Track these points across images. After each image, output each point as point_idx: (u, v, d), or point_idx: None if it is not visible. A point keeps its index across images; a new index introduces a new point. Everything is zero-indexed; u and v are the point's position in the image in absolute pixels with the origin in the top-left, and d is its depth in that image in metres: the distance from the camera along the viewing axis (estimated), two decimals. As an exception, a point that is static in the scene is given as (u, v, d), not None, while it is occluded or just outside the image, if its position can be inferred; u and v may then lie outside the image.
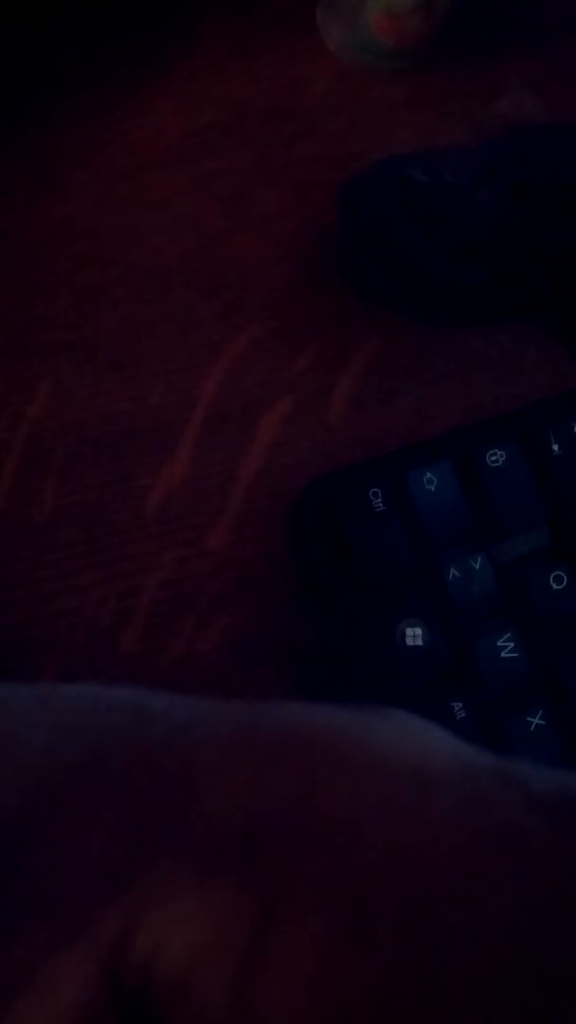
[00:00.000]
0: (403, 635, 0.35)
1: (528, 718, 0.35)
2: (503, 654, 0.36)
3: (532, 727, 0.35)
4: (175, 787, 0.20)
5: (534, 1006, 0.19)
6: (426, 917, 0.19)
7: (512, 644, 0.36)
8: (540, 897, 0.19)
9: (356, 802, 0.20)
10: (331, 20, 0.43)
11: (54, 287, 0.39)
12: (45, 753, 0.21)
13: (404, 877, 0.19)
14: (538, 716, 0.35)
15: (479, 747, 0.22)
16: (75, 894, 0.19)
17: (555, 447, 0.37)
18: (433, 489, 0.36)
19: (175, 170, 0.42)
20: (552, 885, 0.20)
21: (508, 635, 0.36)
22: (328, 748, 0.21)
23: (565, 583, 0.36)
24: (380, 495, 0.36)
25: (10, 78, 0.41)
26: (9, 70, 0.41)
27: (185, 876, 0.19)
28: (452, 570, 0.36)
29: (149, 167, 0.41)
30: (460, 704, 0.35)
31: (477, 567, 0.36)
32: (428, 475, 0.36)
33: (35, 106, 0.41)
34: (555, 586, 0.36)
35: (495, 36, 0.45)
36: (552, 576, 0.36)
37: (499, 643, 0.36)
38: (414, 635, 0.35)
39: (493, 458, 0.37)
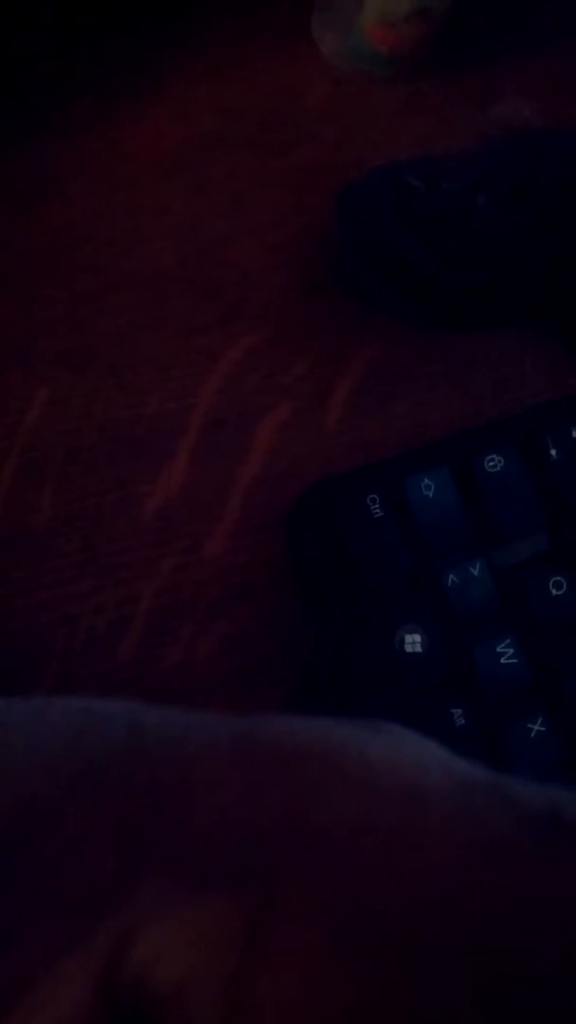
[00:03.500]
0: (402, 641, 0.35)
1: (528, 724, 0.35)
2: (502, 660, 0.36)
3: (532, 733, 0.35)
4: (170, 799, 0.20)
5: (521, 1013, 0.19)
6: (417, 928, 0.19)
7: (512, 650, 0.36)
8: (527, 909, 0.20)
9: (348, 817, 0.20)
10: (327, 27, 0.43)
11: (52, 294, 0.39)
12: (41, 766, 0.21)
13: (395, 890, 0.20)
14: (538, 722, 0.35)
15: (472, 761, 0.22)
16: (71, 906, 0.19)
17: (553, 452, 0.37)
18: (431, 495, 0.36)
19: (172, 177, 0.42)
20: (539, 899, 0.20)
21: (507, 641, 0.36)
22: (322, 762, 0.21)
23: (564, 588, 0.36)
24: (378, 501, 0.36)
25: (8, 85, 0.41)
26: (7, 77, 0.41)
27: (180, 888, 0.19)
28: (451, 576, 0.36)
29: (147, 174, 0.42)
30: (460, 711, 0.35)
31: (476, 573, 0.36)
32: (426, 481, 0.36)
33: (33, 113, 0.41)
34: (554, 591, 0.36)
35: (491, 42, 0.46)
36: (551, 581, 0.36)
37: (498, 649, 0.36)
38: (413, 641, 0.35)
39: (491, 463, 0.37)
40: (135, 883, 0.19)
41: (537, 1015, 0.19)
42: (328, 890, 0.19)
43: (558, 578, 0.36)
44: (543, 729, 0.35)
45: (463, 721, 0.35)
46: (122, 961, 0.19)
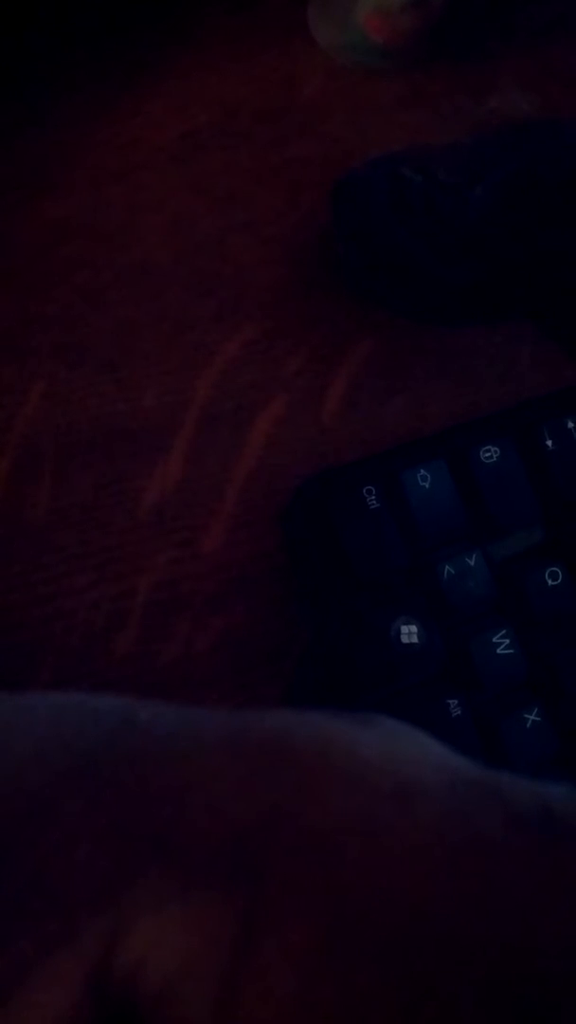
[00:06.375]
0: (398, 633, 0.35)
1: (525, 715, 0.35)
2: (499, 651, 0.36)
3: (528, 724, 0.35)
4: (162, 796, 0.20)
5: (522, 1013, 0.19)
6: (405, 930, 0.19)
7: (508, 641, 0.36)
8: (517, 914, 0.20)
9: (338, 817, 0.20)
10: (323, 19, 0.43)
11: (48, 288, 0.39)
12: (32, 762, 0.21)
13: (384, 891, 0.20)
14: (534, 713, 0.35)
15: (467, 755, 0.22)
16: (62, 903, 0.19)
17: (549, 444, 0.37)
18: (427, 487, 0.36)
19: (169, 171, 0.42)
20: (534, 899, 0.20)
21: (504, 632, 0.36)
22: (314, 759, 0.21)
23: (560, 580, 0.36)
24: (374, 493, 0.36)
25: (4, 79, 0.41)
26: (3, 71, 0.41)
27: (171, 887, 0.19)
28: (447, 568, 0.36)
29: (143, 168, 0.41)
30: (456, 702, 0.35)
31: (472, 565, 0.36)
32: (422, 473, 0.36)
33: (29, 107, 0.41)
34: (550, 583, 0.36)
35: (487, 34, 0.45)
36: (547, 573, 0.36)
37: (495, 640, 0.36)
38: (409, 633, 0.35)
39: (487, 455, 0.37)
40: (127, 880, 0.19)
41: (538, 1015, 0.19)
42: (320, 888, 0.20)
43: (554, 569, 0.36)
44: (539, 720, 0.35)
45: (459, 712, 0.35)
46: (114, 958, 0.19)
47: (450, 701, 0.35)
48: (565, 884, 0.20)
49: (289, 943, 0.19)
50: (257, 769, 0.21)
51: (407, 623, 0.35)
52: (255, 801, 0.20)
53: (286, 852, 0.20)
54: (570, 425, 0.38)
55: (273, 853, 0.20)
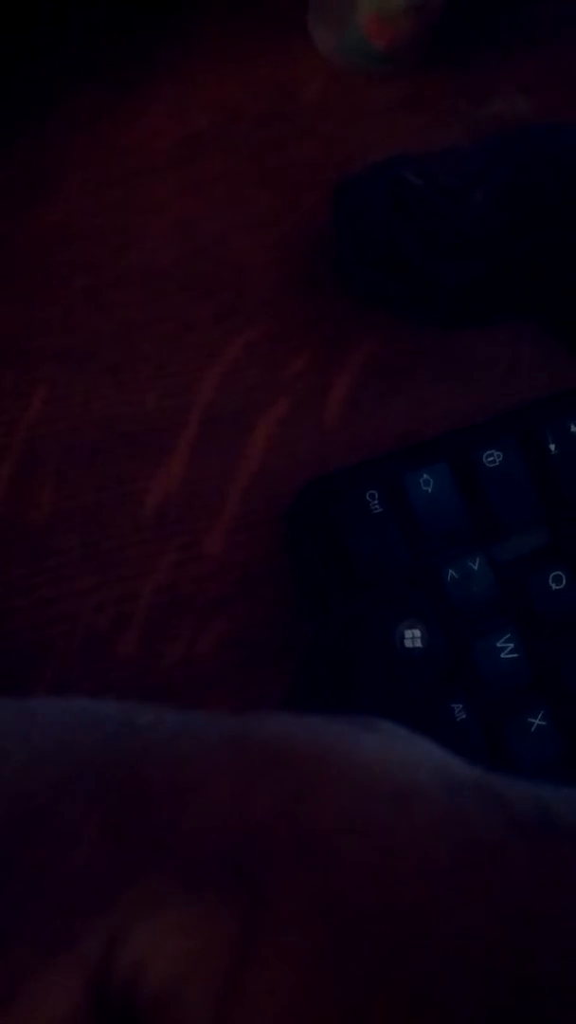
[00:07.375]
0: (402, 637, 0.35)
1: (529, 719, 0.35)
2: (503, 655, 0.35)
3: (533, 728, 0.35)
4: (160, 801, 0.20)
5: (522, 1015, 0.19)
6: (405, 932, 0.19)
7: (512, 644, 0.35)
8: (517, 916, 0.20)
9: (338, 820, 0.20)
10: (322, 23, 0.43)
11: (49, 292, 0.39)
12: (31, 767, 0.21)
13: (383, 895, 0.20)
14: (539, 717, 0.35)
15: (468, 758, 0.22)
16: (60, 909, 0.19)
17: (552, 446, 0.37)
18: (430, 490, 0.36)
19: (169, 174, 0.42)
20: (533, 902, 0.20)
21: (508, 635, 0.35)
22: (313, 763, 0.21)
23: (564, 583, 0.36)
24: (377, 497, 0.36)
25: (3, 83, 0.41)
26: (2, 74, 0.41)
27: (169, 891, 0.19)
28: (451, 571, 0.36)
29: (143, 171, 0.42)
30: (460, 705, 0.35)
31: (476, 568, 0.36)
32: (425, 476, 0.36)
33: (29, 111, 0.41)
34: (554, 586, 0.36)
35: (487, 37, 0.46)
36: (551, 576, 0.36)
37: (499, 644, 0.35)
38: (413, 637, 0.35)
39: (490, 458, 0.37)
40: (127, 883, 0.19)
41: (538, 1018, 0.19)
42: (320, 890, 0.20)
43: (558, 572, 0.36)
44: (544, 724, 0.35)
45: (464, 716, 0.35)
46: (114, 960, 0.19)
47: (454, 705, 0.35)
48: (564, 886, 0.20)
49: (292, 945, 0.19)
50: (257, 772, 0.21)
51: (411, 626, 0.35)
52: (254, 804, 0.20)
53: (287, 855, 0.20)
54: (573, 428, 0.38)
55: (272, 856, 0.20)
